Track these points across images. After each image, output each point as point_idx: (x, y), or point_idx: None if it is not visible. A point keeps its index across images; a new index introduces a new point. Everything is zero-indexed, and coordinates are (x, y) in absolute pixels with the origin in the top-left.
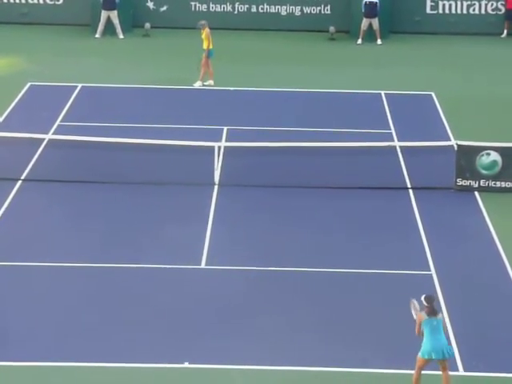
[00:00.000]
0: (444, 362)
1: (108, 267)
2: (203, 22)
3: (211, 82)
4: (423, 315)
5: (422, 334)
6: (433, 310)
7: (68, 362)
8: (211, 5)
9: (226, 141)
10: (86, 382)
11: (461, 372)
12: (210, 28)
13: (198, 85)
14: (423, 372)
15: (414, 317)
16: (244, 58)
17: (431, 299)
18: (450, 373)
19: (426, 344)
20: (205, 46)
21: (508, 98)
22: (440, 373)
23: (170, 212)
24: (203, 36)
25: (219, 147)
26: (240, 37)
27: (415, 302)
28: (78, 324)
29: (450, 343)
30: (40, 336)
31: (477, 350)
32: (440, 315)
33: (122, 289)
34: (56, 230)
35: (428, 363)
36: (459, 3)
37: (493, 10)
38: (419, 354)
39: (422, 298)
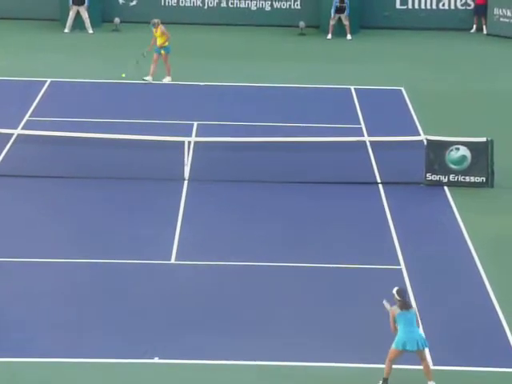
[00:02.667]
0: (421, 352)
1: (77, 262)
2: (156, 20)
3: (169, 78)
4: (396, 310)
5: (397, 330)
6: (405, 304)
7: (37, 358)
8: None
9: (196, 136)
10: (59, 377)
11: (430, 366)
12: (179, 23)
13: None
14: (401, 366)
15: (387, 307)
16: (214, 53)
17: (403, 292)
18: (419, 367)
19: (400, 336)
20: (159, 42)
21: (477, 93)
22: (417, 367)
23: (139, 207)
24: (158, 34)
25: (189, 142)
26: (209, 32)
27: (386, 304)
28: (48, 320)
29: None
30: (10, 332)
31: (446, 343)
32: (413, 309)
33: (92, 284)
34: (25, 226)
35: (400, 355)
36: None
37: (462, 5)
38: (393, 346)
39: (394, 291)
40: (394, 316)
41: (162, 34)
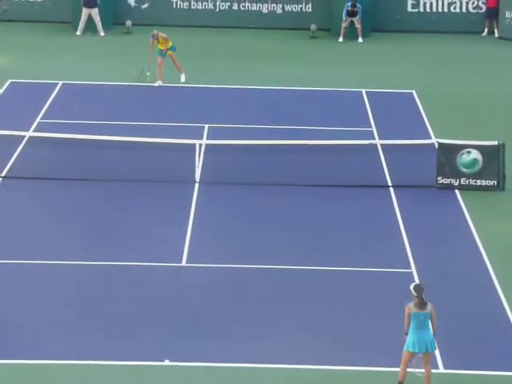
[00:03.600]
0: (426, 356)
1: (89, 265)
2: (155, 31)
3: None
4: (412, 307)
5: (408, 328)
6: (421, 302)
7: (46, 360)
8: (192, 2)
9: (208, 138)
10: (65, 379)
11: (441, 370)
12: (190, 26)
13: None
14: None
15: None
16: (225, 55)
17: (420, 289)
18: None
19: (410, 337)
20: (162, 46)
21: (489, 96)
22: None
23: (151, 210)
24: (160, 42)
25: (200, 145)
26: (221, 35)
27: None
28: (58, 322)
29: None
30: (15, 334)
31: (457, 347)
32: (428, 308)
33: (103, 287)
34: (36, 228)
35: (413, 357)
36: (440, 2)
37: (474, 8)
38: (404, 348)
39: (411, 287)
40: (410, 314)
41: (164, 39)
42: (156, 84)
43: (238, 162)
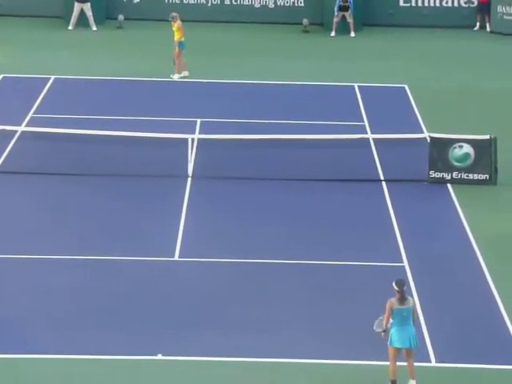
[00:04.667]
0: (409, 351)
1: (80, 259)
2: (174, 14)
3: (186, 72)
4: (394, 303)
5: (390, 323)
6: (403, 297)
7: (41, 354)
8: None
9: (200, 133)
10: (59, 374)
11: (433, 363)
12: (183, 20)
13: (176, 77)
14: (400, 363)
15: (378, 330)
16: (217, 50)
17: (402, 284)
18: (423, 364)
19: (393, 333)
20: (176, 37)
21: (481, 91)
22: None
23: (143, 204)
24: (174, 28)
25: (193, 139)
26: (213, 29)
27: (379, 322)
28: (49, 316)
29: (417, 331)
30: (12, 328)
31: (449, 341)
32: (410, 302)
33: (95, 281)
34: (29, 223)
35: (399, 351)
36: None
37: (465, 2)
38: (388, 344)
39: (394, 282)
40: (392, 309)
41: (178, 28)
42: (175, 77)
43: (231, 157)
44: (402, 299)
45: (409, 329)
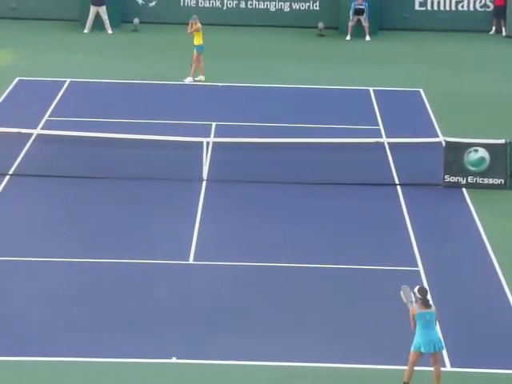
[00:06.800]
0: (435, 355)
1: (96, 262)
2: (195, 15)
3: (202, 77)
4: (416, 308)
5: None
6: (426, 303)
7: (55, 357)
8: (200, 0)
9: (215, 136)
10: (74, 376)
11: (448, 368)
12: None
13: (188, 80)
14: (415, 368)
15: (404, 300)
16: (232, 54)
17: (424, 291)
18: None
19: (417, 337)
20: (196, 41)
21: (496, 95)
22: (431, 369)
23: (158, 207)
24: (193, 30)
25: (208, 143)
26: (228, 33)
27: (405, 290)
28: (66, 319)
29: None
30: (26, 331)
31: (464, 346)
32: (433, 308)
33: (110, 284)
34: (44, 226)
35: (420, 357)
36: (448, 0)
37: (481, 6)
38: (412, 348)
39: (416, 289)
40: (414, 315)
41: (195, 30)
42: (186, 81)
43: (246, 160)
44: (424, 305)
45: (433, 333)
